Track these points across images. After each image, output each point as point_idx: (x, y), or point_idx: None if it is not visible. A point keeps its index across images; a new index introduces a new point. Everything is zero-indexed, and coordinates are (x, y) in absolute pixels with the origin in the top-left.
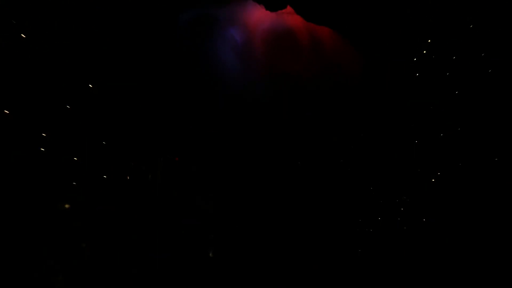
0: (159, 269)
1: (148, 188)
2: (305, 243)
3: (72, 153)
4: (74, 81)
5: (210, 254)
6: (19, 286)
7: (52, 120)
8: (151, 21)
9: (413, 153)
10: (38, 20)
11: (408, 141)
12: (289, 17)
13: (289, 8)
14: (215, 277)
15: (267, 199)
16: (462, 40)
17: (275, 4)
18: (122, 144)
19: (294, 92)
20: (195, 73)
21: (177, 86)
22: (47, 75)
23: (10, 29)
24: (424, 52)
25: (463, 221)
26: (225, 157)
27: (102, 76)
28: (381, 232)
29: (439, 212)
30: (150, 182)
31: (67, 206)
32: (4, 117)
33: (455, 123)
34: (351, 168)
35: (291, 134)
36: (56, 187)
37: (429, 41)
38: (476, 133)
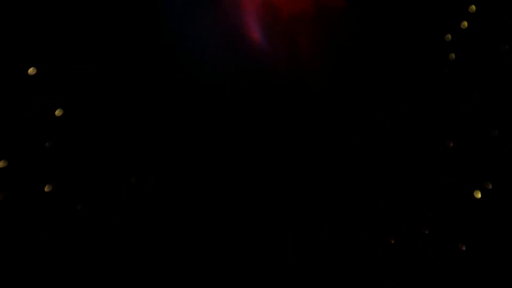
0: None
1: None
2: (297, 268)
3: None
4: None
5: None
6: None
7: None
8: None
9: (445, 156)
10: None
11: (437, 139)
12: None
13: None
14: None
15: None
16: None
17: None
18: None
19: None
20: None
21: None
22: None
23: None
24: (466, 24)
25: None
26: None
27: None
28: (395, 256)
29: (483, 238)
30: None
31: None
32: None
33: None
34: (353, 173)
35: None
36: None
37: (473, 7)
38: None
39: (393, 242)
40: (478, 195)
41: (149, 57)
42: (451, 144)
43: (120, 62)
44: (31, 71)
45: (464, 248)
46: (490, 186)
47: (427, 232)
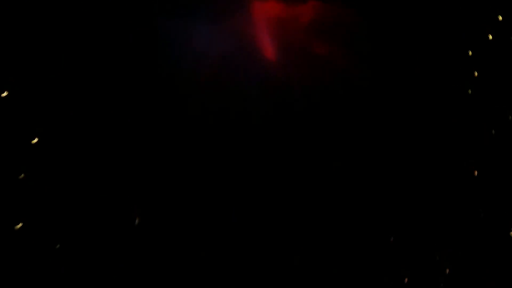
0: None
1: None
2: None
3: None
4: None
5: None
6: None
7: None
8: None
9: (469, 185)
10: None
11: (461, 166)
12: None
13: None
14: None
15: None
16: None
17: None
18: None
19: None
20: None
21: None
22: None
23: None
24: (490, 38)
25: None
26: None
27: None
28: None
29: None
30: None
31: None
32: None
33: None
34: (362, 202)
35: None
36: None
37: (500, 18)
38: None
39: (406, 281)
40: None
41: (151, 79)
42: (476, 173)
43: (118, 83)
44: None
45: None
46: None
47: (448, 272)
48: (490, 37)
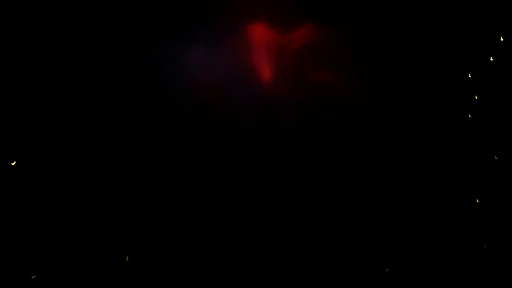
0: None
1: None
2: None
3: None
4: None
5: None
6: None
7: None
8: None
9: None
10: None
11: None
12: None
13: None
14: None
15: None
16: None
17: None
18: None
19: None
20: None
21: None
22: None
23: None
24: (491, 59)
25: None
26: None
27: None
28: None
29: None
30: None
31: None
32: None
33: None
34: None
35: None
36: None
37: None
38: None
39: None
40: None
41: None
42: (478, 201)
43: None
44: None
45: None
46: None
47: None
48: (491, 58)
